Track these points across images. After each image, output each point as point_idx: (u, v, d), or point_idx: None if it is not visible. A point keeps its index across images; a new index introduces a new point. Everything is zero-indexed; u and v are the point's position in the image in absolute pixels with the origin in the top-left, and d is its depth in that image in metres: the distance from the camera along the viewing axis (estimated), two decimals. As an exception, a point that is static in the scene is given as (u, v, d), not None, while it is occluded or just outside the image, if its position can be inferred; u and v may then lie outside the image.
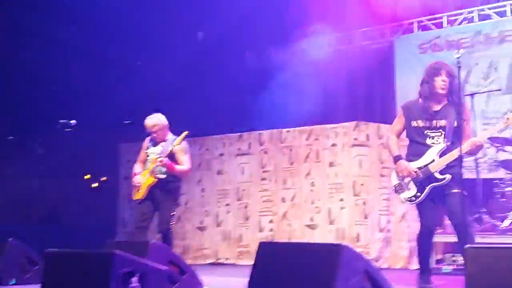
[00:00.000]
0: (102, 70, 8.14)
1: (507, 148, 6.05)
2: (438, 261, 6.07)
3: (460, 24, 7.92)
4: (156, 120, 5.26)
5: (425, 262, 4.28)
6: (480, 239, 5.60)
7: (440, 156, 4.00)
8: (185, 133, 5.13)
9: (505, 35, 7.46)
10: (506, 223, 5.85)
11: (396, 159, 4.11)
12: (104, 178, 9.36)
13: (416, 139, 4.12)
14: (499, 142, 6.04)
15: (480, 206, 6.23)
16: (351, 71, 8.65)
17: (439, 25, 8.11)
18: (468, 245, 2.55)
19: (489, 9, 7.74)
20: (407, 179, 4.07)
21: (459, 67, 3.87)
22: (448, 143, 3.99)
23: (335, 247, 2.51)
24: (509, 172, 6.28)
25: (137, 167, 5.38)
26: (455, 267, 5.70)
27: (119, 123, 8.24)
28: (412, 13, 8.09)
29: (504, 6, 7.64)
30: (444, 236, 6.21)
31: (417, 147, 4.10)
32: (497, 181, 6.31)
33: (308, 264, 2.57)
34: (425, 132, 4.08)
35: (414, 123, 4.11)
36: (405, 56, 8.19)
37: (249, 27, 8.69)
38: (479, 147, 3.99)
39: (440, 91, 4.01)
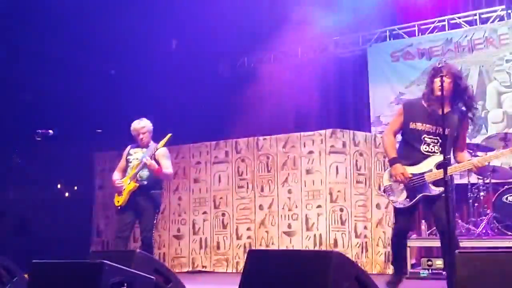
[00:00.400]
0: (76, 79, 8.02)
1: (479, 153, 6.20)
2: (414, 265, 6.18)
3: (431, 32, 8.13)
4: (144, 123, 5.31)
5: (398, 264, 4.25)
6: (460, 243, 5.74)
7: (438, 167, 3.83)
8: (169, 135, 5.14)
9: (475, 43, 7.69)
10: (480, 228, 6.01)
11: (393, 161, 3.96)
12: (75, 188, 9.21)
13: (410, 143, 3.96)
14: (471, 148, 6.19)
15: (453, 211, 6.37)
16: (324, 79, 8.76)
17: (411, 34, 8.30)
18: (458, 250, 2.59)
19: (459, 18, 7.97)
20: (398, 183, 3.95)
21: (442, 77, 3.81)
22: (448, 156, 3.83)
23: (327, 254, 2.54)
24: (481, 177, 6.46)
25: (116, 175, 5.34)
26: (431, 271, 5.81)
27: (93, 132, 8.15)
28: (384, 21, 8.24)
29: (474, 15, 7.88)
30: (420, 241, 6.35)
31: (410, 151, 3.96)
32: (470, 186, 6.49)
33: (299, 272, 2.59)
34: (423, 136, 3.91)
35: (412, 125, 3.94)
36: (378, 64, 8.35)
37: (223, 35, 8.70)
38: (480, 169, 3.87)
39: (438, 93, 3.76)
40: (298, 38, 8.47)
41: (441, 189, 3.81)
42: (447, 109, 3.80)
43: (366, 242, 6.45)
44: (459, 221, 6.33)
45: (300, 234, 6.62)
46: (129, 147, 5.43)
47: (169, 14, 8.39)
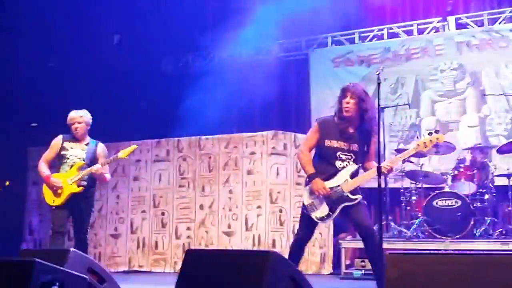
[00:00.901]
0: (12, 71, 7.72)
1: (412, 159, 6.46)
2: (348, 266, 6.35)
3: (371, 40, 8.38)
4: (83, 112, 5.10)
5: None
6: (388, 245, 5.92)
7: (352, 177, 4.06)
8: (135, 147, 5.08)
9: (411, 53, 7.99)
10: (412, 231, 6.26)
11: (312, 177, 4.08)
12: (7, 183, 8.86)
13: (326, 158, 4.12)
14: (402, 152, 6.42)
15: (387, 214, 6.62)
16: (268, 81, 8.83)
17: (352, 41, 8.52)
18: (388, 252, 2.68)
19: (398, 27, 8.27)
20: (319, 199, 4.07)
21: (379, 84, 4.00)
22: (359, 166, 4.10)
23: (263, 254, 2.57)
24: (413, 181, 6.73)
25: (44, 167, 5.03)
26: (364, 272, 6.00)
27: (28, 126, 7.87)
28: (327, 27, 8.42)
29: (411, 25, 8.19)
30: (353, 242, 6.53)
31: (325, 167, 4.09)
32: (403, 190, 6.74)
33: (236, 272, 2.61)
34: (337, 153, 4.09)
35: (327, 142, 4.11)
36: (319, 69, 8.51)
37: (167, 32, 8.62)
38: (389, 171, 4.08)
39: (345, 114, 4.04)
40: (243, 39, 8.51)
41: (359, 196, 4.06)
42: (353, 129, 4.09)
43: (303, 243, 6.55)
44: (392, 223, 6.57)
45: (239, 234, 6.66)
46: (60, 137, 5.12)
47: (112, 8, 8.23)
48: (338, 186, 4.06)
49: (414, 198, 6.56)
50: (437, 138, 4.02)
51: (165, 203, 7.10)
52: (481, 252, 5.31)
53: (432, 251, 5.25)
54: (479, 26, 7.79)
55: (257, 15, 8.55)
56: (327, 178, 4.09)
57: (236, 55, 9.01)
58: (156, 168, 7.23)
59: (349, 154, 4.10)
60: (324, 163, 4.13)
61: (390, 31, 8.30)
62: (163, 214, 7.09)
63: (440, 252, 4.82)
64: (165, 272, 6.87)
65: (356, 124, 4.12)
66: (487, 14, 7.78)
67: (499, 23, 7.67)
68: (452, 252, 4.84)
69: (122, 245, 7.21)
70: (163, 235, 7.05)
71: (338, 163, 4.09)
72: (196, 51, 9.34)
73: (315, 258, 6.56)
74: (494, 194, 6.34)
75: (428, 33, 8.06)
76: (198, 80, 8.61)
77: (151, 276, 6.74)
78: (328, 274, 6.47)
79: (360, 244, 6.50)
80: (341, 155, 4.09)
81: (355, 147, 4.10)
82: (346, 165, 4.09)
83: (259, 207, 6.60)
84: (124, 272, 7.01)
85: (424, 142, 4.02)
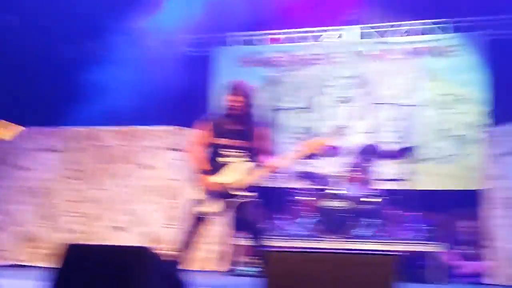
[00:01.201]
0: None
1: (302, 160, 6.68)
2: (244, 264, 6.45)
3: (277, 43, 8.58)
4: None
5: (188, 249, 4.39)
6: (274, 243, 6.11)
7: (241, 174, 4.14)
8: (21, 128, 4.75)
9: (312, 58, 8.32)
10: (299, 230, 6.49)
11: (202, 173, 4.15)
12: None
13: (216, 155, 4.18)
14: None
15: (274, 212, 6.84)
16: (172, 76, 8.74)
17: (259, 42, 8.65)
18: (268, 250, 2.77)
19: (304, 32, 8.51)
20: (209, 195, 4.13)
21: (273, 85, 4.10)
22: (247, 162, 4.17)
23: (140, 250, 2.56)
24: (302, 182, 6.99)
25: None
26: (256, 268, 6.13)
27: None
28: (239, 26, 8.50)
29: (317, 32, 8.47)
30: (247, 239, 6.63)
31: (215, 163, 4.16)
32: (291, 190, 6.97)
33: (114, 267, 2.58)
34: (227, 150, 4.17)
35: (217, 139, 4.17)
36: (225, 67, 8.57)
37: (64, 17, 8.26)
38: (276, 170, 4.24)
39: (232, 111, 4.13)
40: (148, 31, 8.36)
41: (250, 194, 4.16)
42: (242, 126, 4.16)
43: (199, 240, 6.54)
44: (279, 222, 6.78)
45: (131, 229, 6.53)
46: None
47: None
48: (228, 182, 4.12)
49: (302, 198, 6.79)
50: (323, 142, 4.23)
51: (53, 195, 6.80)
52: (346, 252, 5.62)
53: (317, 250, 5.48)
54: (378, 37, 8.25)
55: (165, 7, 8.45)
56: (217, 174, 4.13)
57: (140, 46, 8.82)
58: (46, 158, 6.90)
59: (238, 151, 4.16)
60: (214, 160, 4.18)
61: (296, 35, 8.55)
62: (49, 206, 6.78)
63: (317, 251, 5.02)
64: (47, 267, 6.57)
65: (245, 121, 4.19)
66: (387, 26, 8.25)
67: (397, 36, 8.18)
68: (323, 251, 5.04)
69: (3, 238, 6.81)
70: (47, 228, 6.74)
71: (227, 160, 4.15)
72: (99, 39, 9.03)
73: (211, 255, 6.59)
74: (379, 198, 6.72)
75: (331, 40, 8.40)
76: (98, 69, 8.33)
77: (32, 270, 6.43)
78: (225, 272, 6.52)
79: (241, 241, 6.66)
80: (230, 152, 4.16)
81: (244, 144, 4.16)
82: (236, 161, 4.15)
83: (153, 202, 6.51)
84: (2, 266, 6.62)
85: (311, 145, 4.19)
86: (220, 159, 4.18)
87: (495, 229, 5.85)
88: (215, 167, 4.17)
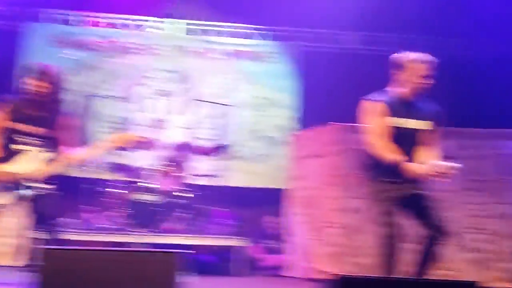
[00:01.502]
0: None
1: (114, 151, 6.43)
2: (31, 259, 5.96)
3: (97, 26, 8.17)
4: None
5: None
6: (78, 237, 5.96)
7: (37, 163, 3.81)
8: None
9: (133, 47, 8.10)
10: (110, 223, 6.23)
11: None
12: None
13: (12, 142, 3.80)
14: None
15: (82, 204, 6.49)
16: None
17: (77, 23, 8.14)
18: (43, 246, 2.66)
19: (125, 19, 8.23)
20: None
21: (89, 70, 3.83)
22: (47, 152, 3.85)
23: None
24: (113, 174, 6.73)
25: None
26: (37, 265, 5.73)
27: None
28: (51, 2, 7.87)
29: (139, 20, 8.26)
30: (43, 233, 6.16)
31: (9, 151, 3.79)
32: (102, 181, 6.66)
33: None
34: (21, 137, 3.81)
35: (15, 124, 3.77)
36: (36, 45, 7.89)
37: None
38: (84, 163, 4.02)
39: (34, 96, 3.77)
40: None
41: (45, 186, 3.80)
42: (42, 113, 3.80)
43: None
44: (85, 215, 6.47)
45: None
46: None
47: None
48: (21, 172, 3.76)
49: (113, 190, 6.53)
50: (134, 138, 4.13)
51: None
52: (130, 250, 5.61)
53: (101, 248, 5.30)
54: (202, 35, 8.32)
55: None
56: (9, 163, 3.77)
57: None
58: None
59: (37, 139, 3.83)
60: (7, 147, 3.80)
61: (119, 22, 8.24)
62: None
63: (98, 249, 4.83)
64: None
65: (49, 109, 3.86)
66: (212, 25, 8.35)
67: (220, 36, 8.33)
68: (104, 249, 4.90)
69: None
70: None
71: (23, 148, 3.80)
72: None
73: (7, 249, 5.98)
74: (192, 193, 6.74)
75: (154, 31, 8.27)
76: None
77: None
78: (23, 266, 5.95)
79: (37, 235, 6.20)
80: (27, 139, 3.81)
81: (45, 132, 3.83)
82: (32, 150, 3.82)
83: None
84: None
85: (122, 138, 4.06)
86: (14, 146, 3.79)
87: (294, 225, 6.25)
88: (8, 154, 3.78)
